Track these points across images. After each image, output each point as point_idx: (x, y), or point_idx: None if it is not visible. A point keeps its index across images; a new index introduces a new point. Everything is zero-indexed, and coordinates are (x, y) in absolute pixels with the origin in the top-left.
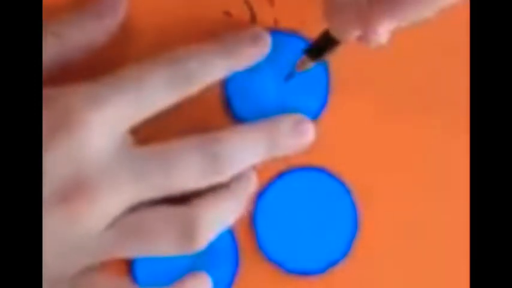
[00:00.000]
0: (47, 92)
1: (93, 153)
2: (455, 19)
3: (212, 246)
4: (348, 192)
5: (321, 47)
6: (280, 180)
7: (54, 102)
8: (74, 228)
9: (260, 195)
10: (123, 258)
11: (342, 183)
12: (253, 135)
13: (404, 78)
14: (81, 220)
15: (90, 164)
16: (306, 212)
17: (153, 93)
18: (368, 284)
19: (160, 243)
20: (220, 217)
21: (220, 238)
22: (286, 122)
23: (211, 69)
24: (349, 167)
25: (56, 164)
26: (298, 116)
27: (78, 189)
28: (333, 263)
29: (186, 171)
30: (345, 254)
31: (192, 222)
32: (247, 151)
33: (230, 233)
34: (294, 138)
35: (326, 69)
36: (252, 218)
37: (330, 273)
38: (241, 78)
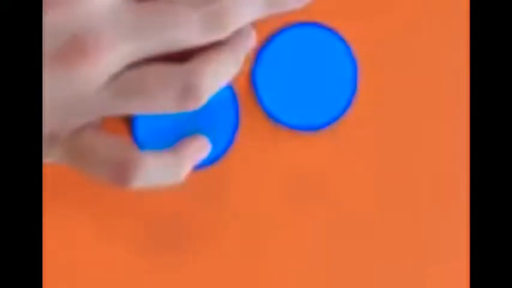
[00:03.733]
0: None
1: (94, 7)
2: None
3: (213, 104)
4: (347, 47)
5: None
6: (280, 36)
7: None
8: (73, 84)
9: (260, 51)
10: (122, 115)
11: (341, 39)
12: None
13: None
14: (79, 76)
15: (90, 20)
16: (306, 68)
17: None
18: (367, 138)
19: (160, 99)
20: (220, 72)
21: (220, 95)
22: None
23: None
24: (350, 23)
25: (57, 20)
26: None
27: (77, 45)
28: (333, 119)
29: (187, 26)
30: (344, 109)
31: (192, 77)
32: (248, 7)
33: (230, 89)
34: None
35: None
36: (252, 75)
37: (329, 129)
38: None
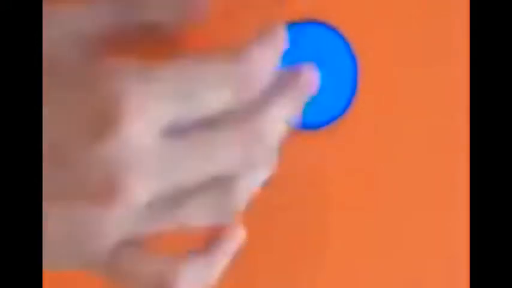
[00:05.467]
0: (94, 67)
1: (135, 153)
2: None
3: None
4: (348, 47)
5: None
6: None
7: (101, 83)
8: (107, 219)
9: None
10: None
11: (342, 38)
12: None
13: None
14: (113, 213)
15: (127, 157)
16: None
17: (207, 93)
18: (367, 138)
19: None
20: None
21: None
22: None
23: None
24: (350, 22)
25: (96, 154)
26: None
27: (112, 190)
28: (333, 119)
29: (226, 160)
30: (344, 109)
31: (227, 198)
32: (281, 123)
33: None
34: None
35: None
36: None
37: (329, 128)
38: None
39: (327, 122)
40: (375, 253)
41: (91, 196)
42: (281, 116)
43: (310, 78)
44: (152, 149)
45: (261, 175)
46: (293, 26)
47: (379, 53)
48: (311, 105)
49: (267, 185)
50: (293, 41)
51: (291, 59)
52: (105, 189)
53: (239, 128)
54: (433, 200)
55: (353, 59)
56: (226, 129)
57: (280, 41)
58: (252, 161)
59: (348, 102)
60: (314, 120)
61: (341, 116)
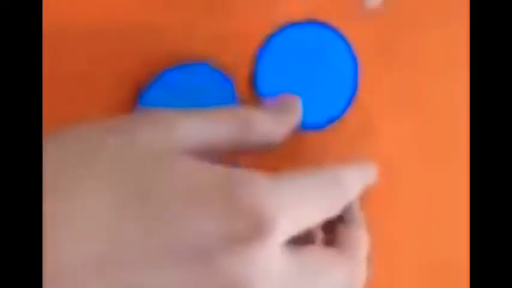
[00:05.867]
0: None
1: (257, 266)
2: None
3: (213, 105)
4: (348, 46)
5: None
6: (280, 35)
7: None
8: None
9: (260, 49)
10: None
11: (342, 38)
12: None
13: None
14: None
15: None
16: (306, 67)
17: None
18: (368, 138)
19: None
20: None
21: (221, 95)
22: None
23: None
24: (351, 22)
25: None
26: None
27: None
28: (333, 119)
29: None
30: (344, 109)
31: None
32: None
33: (231, 89)
34: None
35: None
36: (252, 73)
37: (329, 128)
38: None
39: (327, 122)
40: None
41: None
42: None
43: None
44: (279, 271)
45: None
46: (293, 26)
47: (380, 53)
48: (311, 105)
49: None
50: (293, 41)
51: (292, 60)
52: None
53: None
54: (434, 200)
55: (353, 59)
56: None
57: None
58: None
59: (348, 102)
60: (314, 120)
61: (341, 116)
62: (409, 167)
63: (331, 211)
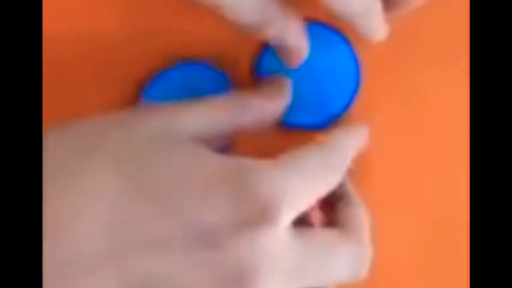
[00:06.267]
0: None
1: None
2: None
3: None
4: (349, 45)
5: None
6: None
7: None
8: None
9: (262, 49)
10: None
11: (343, 37)
12: None
13: None
14: None
15: (255, 255)
16: (307, 67)
17: None
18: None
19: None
20: None
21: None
22: None
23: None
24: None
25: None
26: None
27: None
28: (334, 118)
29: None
30: (345, 109)
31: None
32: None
33: (231, 88)
34: None
35: None
36: (254, 72)
37: (329, 128)
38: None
39: (328, 121)
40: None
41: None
42: None
43: None
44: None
45: None
46: None
47: (380, 53)
48: (312, 104)
49: None
50: None
51: None
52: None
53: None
54: (434, 201)
55: (354, 58)
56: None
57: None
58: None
59: (349, 102)
60: (315, 119)
61: (342, 115)
62: (410, 167)
63: (332, 182)
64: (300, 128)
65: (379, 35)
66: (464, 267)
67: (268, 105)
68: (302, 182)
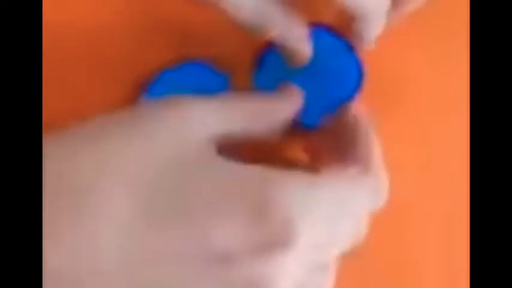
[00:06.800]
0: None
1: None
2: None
3: None
4: (350, 47)
5: None
6: None
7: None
8: None
9: (264, 50)
10: None
11: (343, 39)
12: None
13: None
14: None
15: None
16: (307, 67)
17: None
18: None
19: None
20: None
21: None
22: None
23: None
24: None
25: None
26: None
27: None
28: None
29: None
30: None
31: None
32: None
33: (231, 86)
34: None
35: None
36: (254, 74)
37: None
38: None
39: (328, 123)
40: (375, 253)
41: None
42: None
43: None
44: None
45: None
46: None
47: (381, 53)
48: (312, 105)
49: None
50: None
51: None
52: None
53: None
54: (434, 201)
55: (355, 57)
56: None
57: None
58: None
59: (350, 102)
60: (316, 120)
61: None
62: (410, 167)
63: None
64: (300, 129)
65: (374, 39)
66: (464, 267)
67: (281, 114)
68: (329, 216)
